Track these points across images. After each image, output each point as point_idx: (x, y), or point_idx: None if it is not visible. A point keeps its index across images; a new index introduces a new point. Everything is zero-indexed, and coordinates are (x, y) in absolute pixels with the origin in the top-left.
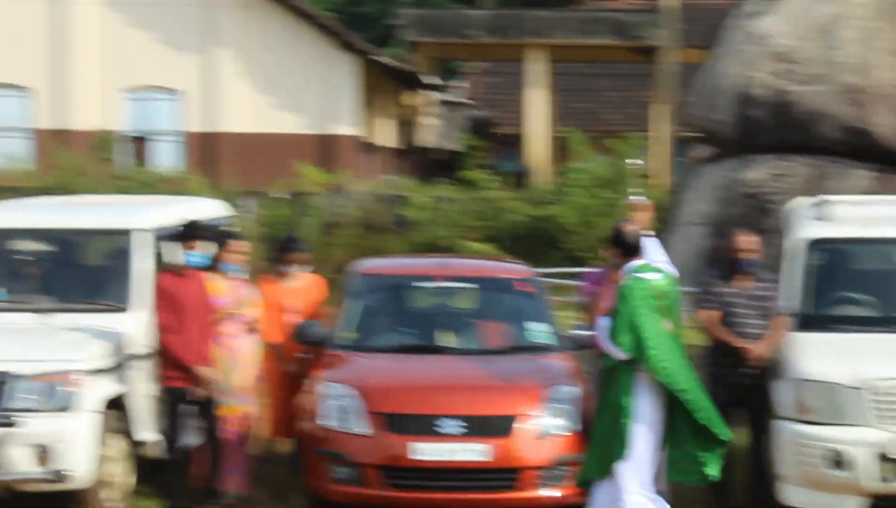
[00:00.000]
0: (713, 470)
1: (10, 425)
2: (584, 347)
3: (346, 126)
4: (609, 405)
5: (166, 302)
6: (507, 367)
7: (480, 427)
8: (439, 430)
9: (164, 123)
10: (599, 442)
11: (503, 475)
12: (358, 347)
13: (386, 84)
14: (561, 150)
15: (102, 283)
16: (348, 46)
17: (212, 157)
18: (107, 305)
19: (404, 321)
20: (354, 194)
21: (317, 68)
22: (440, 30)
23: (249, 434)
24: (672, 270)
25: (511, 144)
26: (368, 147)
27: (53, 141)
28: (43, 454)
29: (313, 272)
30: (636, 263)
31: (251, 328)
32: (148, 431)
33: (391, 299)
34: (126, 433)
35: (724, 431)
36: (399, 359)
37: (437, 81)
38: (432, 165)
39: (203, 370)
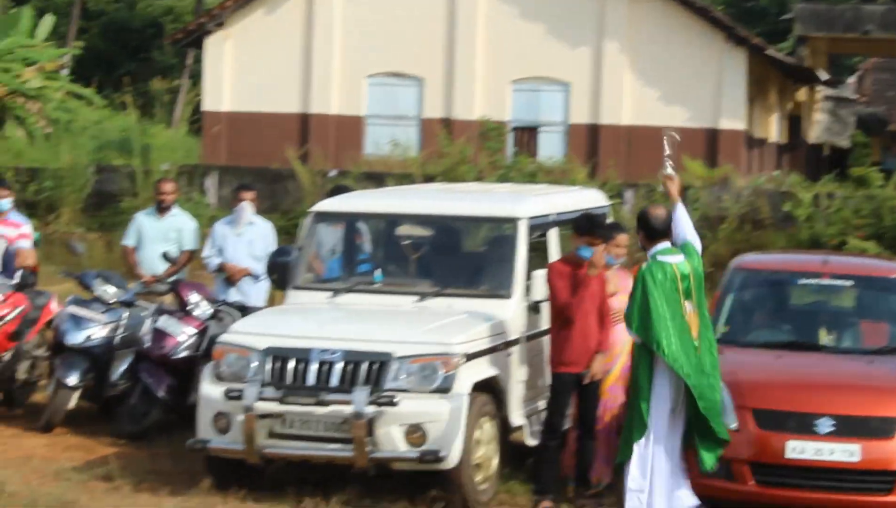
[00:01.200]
0: (708, 463)
1: (391, 404)
2: None
3: (732, 120)
4: (632, 387)
5: (562, 290)
6: (886, 368)
7: (858, 428)
8: (814, 429)
9: (550, 113)
10: (626, 424)
11: (880, 477)
12: (733, 341)
13: (774, 78)
14: None
15: (483, 269)
16: (739, 40)
17: (594, 148)
18: (487, 291)
19: (781, 316)
20: (738, 189)
21: (705, 62)
22: (833, 24)
23: (619, 424)
24: (697, 243)
25: None
26: (754, 142)
27: (440, 129)
28: (417, 434)
29: None
30: (659, 246)
31: (623, 319)
32: (519, 416)
33: (770, 295)
34: (497, 416)
35: (721, 428)
36: (774, 355)
37: (826, 76)
38: (819, 162)
39: (595, 359)
